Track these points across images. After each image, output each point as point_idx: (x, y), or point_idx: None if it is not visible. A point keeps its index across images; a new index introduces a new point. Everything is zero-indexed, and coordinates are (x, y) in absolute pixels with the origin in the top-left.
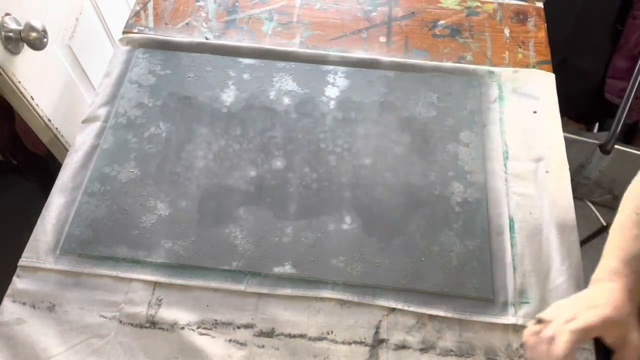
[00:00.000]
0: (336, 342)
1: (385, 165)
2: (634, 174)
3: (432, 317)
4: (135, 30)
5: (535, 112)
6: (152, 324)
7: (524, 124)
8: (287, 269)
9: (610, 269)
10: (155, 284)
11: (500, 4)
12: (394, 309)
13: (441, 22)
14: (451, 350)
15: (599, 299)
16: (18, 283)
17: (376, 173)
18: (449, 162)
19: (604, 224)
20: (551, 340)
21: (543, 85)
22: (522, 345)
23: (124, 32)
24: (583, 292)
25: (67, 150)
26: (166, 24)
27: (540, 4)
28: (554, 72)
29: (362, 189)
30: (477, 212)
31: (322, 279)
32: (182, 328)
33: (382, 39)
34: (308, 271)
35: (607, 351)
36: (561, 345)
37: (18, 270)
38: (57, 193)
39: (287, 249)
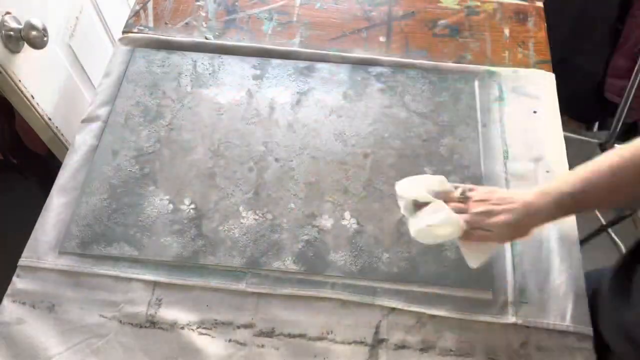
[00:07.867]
0: (336, 342)
1: (385, 161)
2: None
3: (432, 317)
4: (135, 30)
5: (535, 111)
6: (152, 323)
7: (524, 123)
8: (287, 264)
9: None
10: (155, 284)
11: (500, 4)
12: (394, 309)
13: (441, 21)
14: (451, 350)
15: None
16: (18, 283)
17: (376, 169)
18: (449, 162)
19: (604, 223)
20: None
21: (543, 84)
22: (522, 345)
23: (123, 32)
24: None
25: (67, 150)
26: (166, 23)
27: (540, 4)
28: (553, 71)
29: (361, 186)
30: None
31: (322, 279)
32: (182, 328)
33: (382, 39)
34: (308, 268)
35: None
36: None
37: (18, 270)
38: (57, 193)
39: (287, 245)
